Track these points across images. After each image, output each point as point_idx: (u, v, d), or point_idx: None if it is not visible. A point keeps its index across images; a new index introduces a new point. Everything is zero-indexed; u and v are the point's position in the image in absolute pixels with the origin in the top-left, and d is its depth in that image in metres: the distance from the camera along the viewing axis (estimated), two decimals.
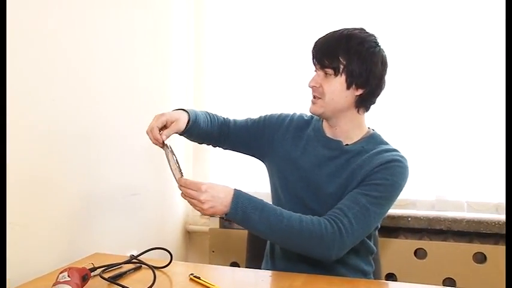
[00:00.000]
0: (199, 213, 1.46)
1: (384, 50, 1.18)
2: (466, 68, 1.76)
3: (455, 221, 1.74)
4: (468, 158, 1.77)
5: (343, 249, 1.10)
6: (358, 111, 1.19)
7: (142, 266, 1.17)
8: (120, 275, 1.11)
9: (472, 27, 1.75)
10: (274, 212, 1.09)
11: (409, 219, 1.77)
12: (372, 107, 1.22)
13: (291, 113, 1.34)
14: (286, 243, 1.13)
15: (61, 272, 0.97)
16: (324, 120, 1.25)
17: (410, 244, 1.77)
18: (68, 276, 0.95)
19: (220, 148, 1.38)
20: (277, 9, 1.96)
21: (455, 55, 1.77)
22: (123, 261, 1.19)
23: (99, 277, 1.05)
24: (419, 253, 1.78)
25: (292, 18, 1.94)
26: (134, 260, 1.19)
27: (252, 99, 1.99)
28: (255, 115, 1.38)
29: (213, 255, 2.00)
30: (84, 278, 0.99)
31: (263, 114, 1.36)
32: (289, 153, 1.26)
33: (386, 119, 1.76)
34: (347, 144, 1.21)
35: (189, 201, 1.08)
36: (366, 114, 1.23)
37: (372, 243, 1.26)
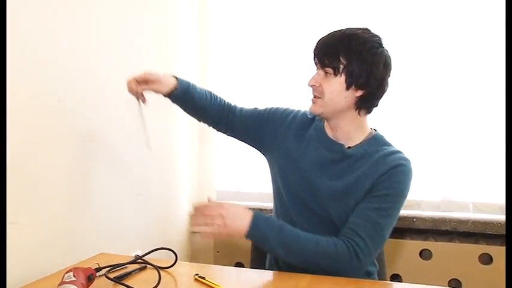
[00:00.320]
0: None
1: (388, 51, 1.15)
2: (471, 69, 1.76)
3: (460, 221, 1.73)
4: (473, 158, 1.77)
5: (361, 268, 1.12)
6: (358, 113, 1.17)
7: (148, 266, 1.17)
8: (126, 275, 1.11)
9: (478, 30, 1.74)
10: (291, 233, 1.10)
11: (415, 220, 1.76)
12: (377, 108, 1.20)
13: (296, 109, 1.33)
14: (303, 264, 1.13)
15: (67, 272, 0.97)
16: (325, 120, 1.24)
17: (416, 245, 1.77)
18: (74, 276, 0.95)
19: (224, 134, 1.37)
20: (282, 8, 1.96)
21: (462, 55, 1.76)
22: (128, 261, 1.18)
23: (104, 277, 1.06)
24: (425, 254, 1.77)
25: (297, 18, 1.94)
26: (139, 260, 1.19)
27: (257, 96, 1.99)
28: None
29: (217, 256, 2.00)
30: (90, 278, 0.99)
31: (269, 106, 1.34)
32: (290, 151, 1.25)
33: (392, 120, 1.76)
34: (349, 147, 1.19)
35: (205, 222, 1.08)
36: (370, 115, 1.21)
37: None
